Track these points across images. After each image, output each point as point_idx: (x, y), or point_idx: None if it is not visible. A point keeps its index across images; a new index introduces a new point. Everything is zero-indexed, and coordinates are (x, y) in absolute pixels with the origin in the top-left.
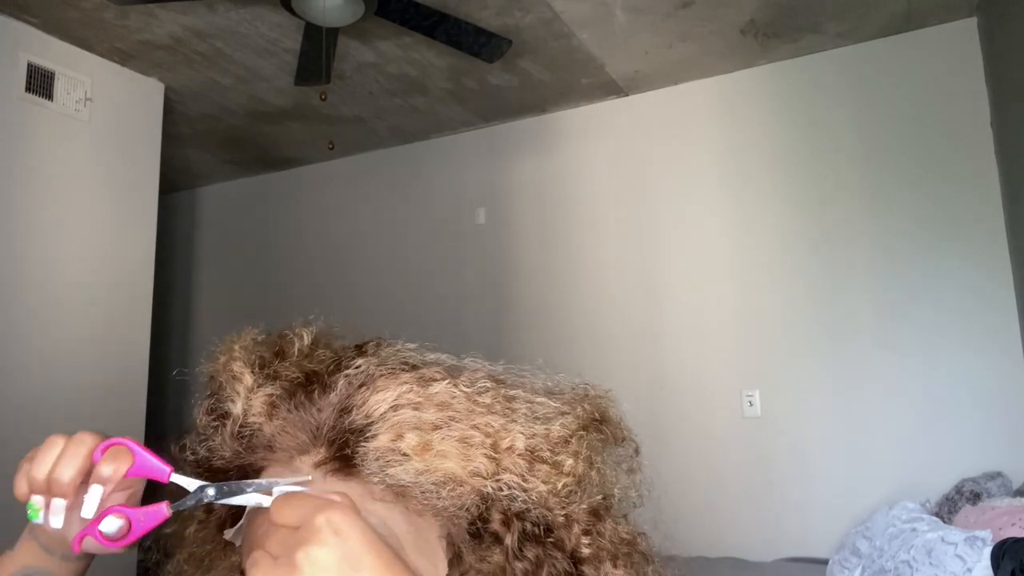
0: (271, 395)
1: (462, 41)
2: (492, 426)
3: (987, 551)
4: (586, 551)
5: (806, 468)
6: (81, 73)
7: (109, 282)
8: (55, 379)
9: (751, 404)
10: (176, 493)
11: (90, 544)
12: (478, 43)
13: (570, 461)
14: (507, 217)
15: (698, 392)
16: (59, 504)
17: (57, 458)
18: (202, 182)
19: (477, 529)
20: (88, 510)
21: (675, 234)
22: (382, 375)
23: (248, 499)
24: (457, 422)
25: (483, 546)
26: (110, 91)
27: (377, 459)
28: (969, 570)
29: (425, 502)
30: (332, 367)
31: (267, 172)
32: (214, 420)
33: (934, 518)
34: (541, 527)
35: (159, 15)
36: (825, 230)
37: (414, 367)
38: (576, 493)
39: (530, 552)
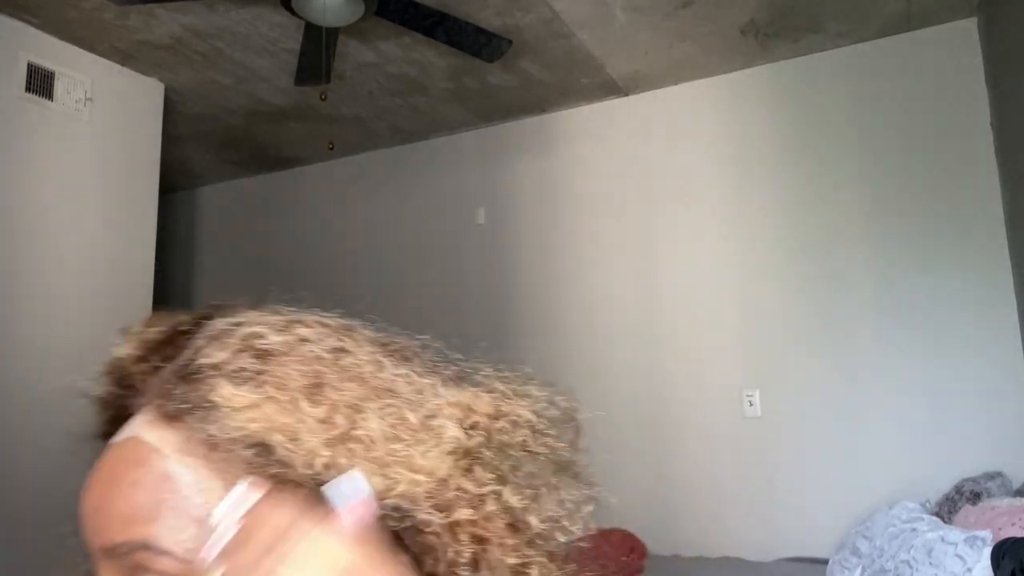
0: (144, 342)
1: (462, 41)
2: (344, 393)
3: (987, 551)
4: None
5: (806, 468)
6: (81, 73)
7: (109, 282)
8: (54, 379)
9: (751, 404)
10: None
11: None
12: (478, 43)
13: (432, 456)
14: (507, 217)
15: (698, 392)
16: None
17: None
18: (202, 182)
19: None
20: None
21: (675, 234)
22: (234, 325)
23: None
24: (293, 380)
25: None
26: (110, 91)
27: (200, 409)
28: (969, 570)
29: (231, 462)
30: (200, 318)
31: (267, 172)
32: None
33: (934, 518)
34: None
35: (159, 15)
36: (825, 230)
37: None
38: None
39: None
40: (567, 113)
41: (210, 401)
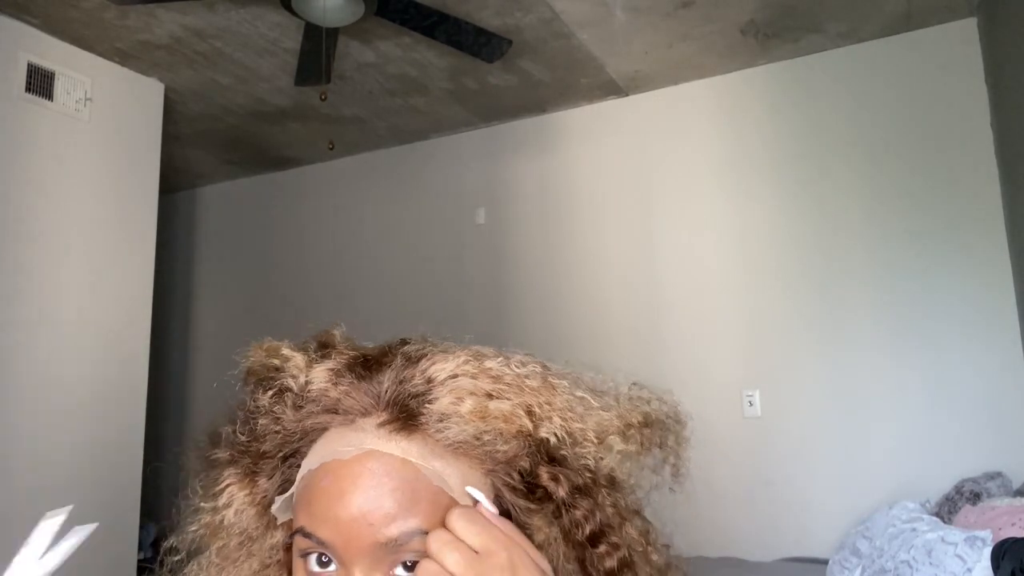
0: (332, 368)
1: (462, 41)
2: (537, 408)
3: (987, 551)
4: (609, 511)
5: (806, 468)
6: (81, 73)
7: (109, 282)
8: (55, 377)
9: (751, 404)
10: None
11: None
12: (478, 43)
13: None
14: (507, 217)
15: (698, 392)
16: None
17: None
18: (202, 182)
19: (527, 485)
20: None
21: (675, 234)
22: (438, 351)
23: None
24: (507, 396)
25: (533, 501)
26: (110, 91)
27: (439, 420)
28: (969, 570)
29: (483, 457)
30: (385, 348)
31: (267, 172)
32: (272, 397)
33: (934, 518)
34: (583, 481)
35: (159, 15)
36: (825, 229)
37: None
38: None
39: (583, 503)
40: (567, 113)
41: (446, 413)
